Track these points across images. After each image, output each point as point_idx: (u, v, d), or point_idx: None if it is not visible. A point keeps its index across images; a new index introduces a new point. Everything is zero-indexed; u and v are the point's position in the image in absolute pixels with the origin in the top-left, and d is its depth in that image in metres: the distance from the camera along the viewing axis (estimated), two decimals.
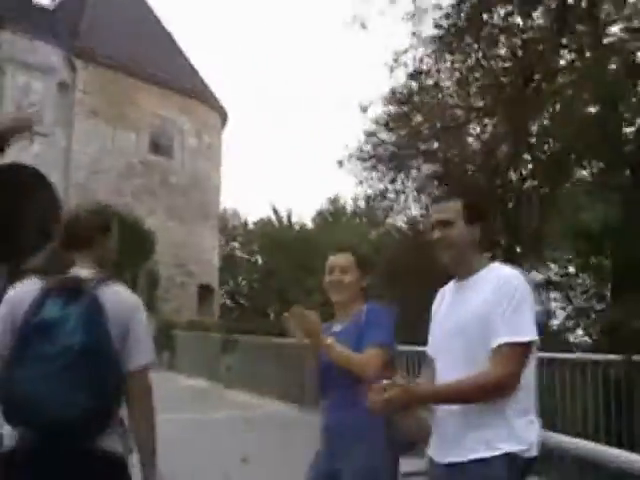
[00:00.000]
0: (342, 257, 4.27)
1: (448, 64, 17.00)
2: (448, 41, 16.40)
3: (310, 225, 39.87)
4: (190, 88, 33.99)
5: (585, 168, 15.98)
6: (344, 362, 3.96)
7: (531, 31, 15.21)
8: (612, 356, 8.19)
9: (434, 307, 3.59)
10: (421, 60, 16.61)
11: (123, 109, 30.78)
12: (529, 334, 3.09)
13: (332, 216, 39.90)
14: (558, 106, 15.37)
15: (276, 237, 36.17)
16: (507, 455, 3.06)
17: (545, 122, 15.97)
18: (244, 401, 16.46)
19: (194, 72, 36.25)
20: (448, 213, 3.34)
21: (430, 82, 17.07)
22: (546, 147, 16.29)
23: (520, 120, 15.28)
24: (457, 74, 16.97)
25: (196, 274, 32.85)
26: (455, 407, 3.20)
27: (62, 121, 29.05)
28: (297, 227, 38.59)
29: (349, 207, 39.13)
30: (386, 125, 18.13)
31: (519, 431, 3.10)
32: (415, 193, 18.97)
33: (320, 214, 41.12)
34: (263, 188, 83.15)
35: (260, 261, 39.05)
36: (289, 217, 38.78)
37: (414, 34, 16.52)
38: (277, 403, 15.78)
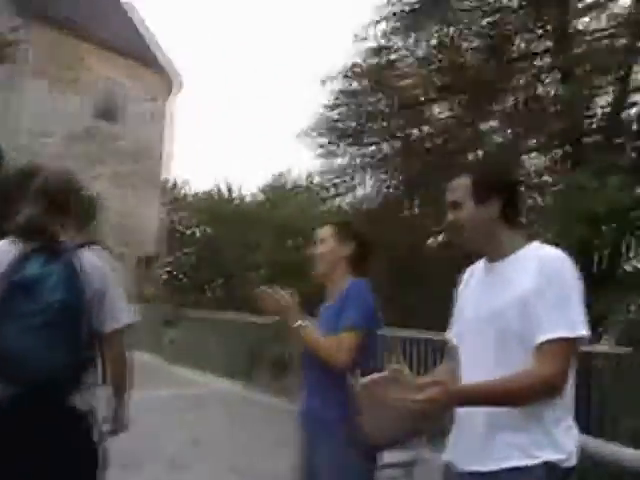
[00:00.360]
0: (321, 230, 4.09)
1: (412, 41, 16.65)
2: (413, 18, 16.08)
3: (256, 199, 39.41)
4: (139, 53, 33.24)
5: (541, 153, 15.86)
6: (313, 347, 3.76)
7: (501, 12, 14.89)
8: (598, 347, 8.02)
9: (460, 289, 3.17)
10: (385, 35, 16.22)
11: (70, 72, 29.97)
12: (581, 328, 2.69)
13: (278, 191, 39.46)
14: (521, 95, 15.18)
15: (219, 210, 35.64)
16: (546, 464, 2.66)
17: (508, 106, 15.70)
18: (189, 377, 16.10)
19: (144, 37, 35.50)
20: (456, 193, 2.98)
21: (392, 58, 16.68)
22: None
23: (483, 102, 15.07)
24: (420, 52, 16.62)
25: (138, 244, 32.27)
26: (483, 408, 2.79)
27: (5, 81, 28.20)
28: (243, 201, 38.11)
29: (296, 183, 38.72)
30: (345, 99, 17.76)
31: (558, 437, 2.72)
32: (370, 171, 18.69)
33: (266, 189, 40.65)
34: (211, 159, 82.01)
35: (202, 234, 38.50)
36: (230, 190, 38.24)
37: (385, 6, 16.12)
38: (222, 380, 15.44)
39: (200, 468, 8.11)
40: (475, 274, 3.10)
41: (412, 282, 15.04)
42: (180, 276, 38.65)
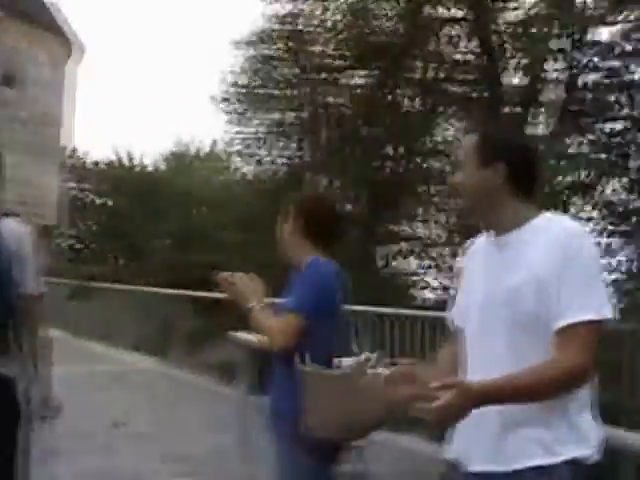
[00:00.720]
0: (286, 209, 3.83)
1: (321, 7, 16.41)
2: None
3: (158, 167, 38.78)
4: (41, 19, 32.21)
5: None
6: (260, 331, 3.64)
7: None
8: None
9: (462, 263, 2.84)
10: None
11: None
12: (606, 310, 2.41)
13: (181, 160, 38.89)
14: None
15: (121, 179, 34.96)
16: (571, 462, 2.39)
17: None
18: (100, 353, 15.65)
19: (45, 2, 34.40)
20: (461, 151, 2.68)
21: (303, 24, 16.42)
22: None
23: (396, 71, 14.97)
24: (330, 18, 16.38)
25: (40, 214, 31.45)
26: None
27: None
28: (147, 169, 37.44)
29: (200, 151, 38.22)
30: (256, 66, 17.47)
31: (584, 430, 2.45)
32: (278, 139, 18.48)
33: (169, 157, 40.01)
34: (114, 128, 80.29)
35: (105, 203, 37.75)
36: (131, 159, 37.50)
37: None
38: (135, 355, 15.07)
39: (128, 453, 7.84)
40: (481, 248, 2.75)
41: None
42: (83, 247, 37.93)
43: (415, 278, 17.36)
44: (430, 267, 16.87)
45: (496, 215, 2.61)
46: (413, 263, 17.51)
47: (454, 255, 16.36)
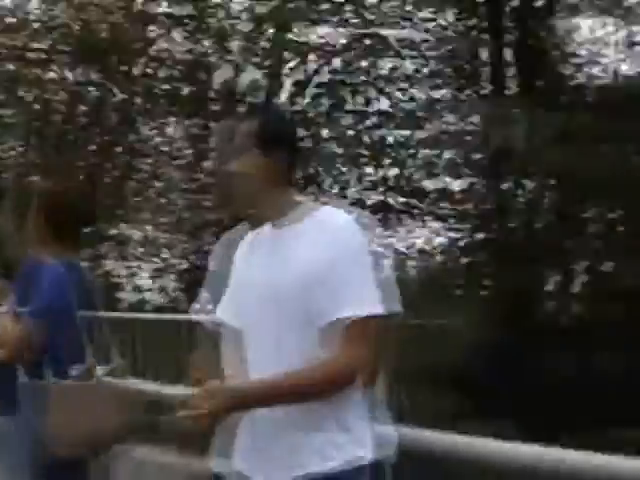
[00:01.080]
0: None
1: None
2: None
3: None
4: None
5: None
6: None
7: None
8: None
9: (236, 258, 2.54)
10: None
11: None
12: (377, 305, 2.29)
13: None
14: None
15: None
16: (349, 464, 2.29)
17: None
18: None
19: None
20: (237, 140, 2.43)
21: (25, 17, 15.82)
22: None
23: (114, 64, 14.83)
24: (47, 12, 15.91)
25: None
26: None
27: None
28: None
29: None
30: None
31: (358, 431, 2.34)
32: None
33: None
34: None
35: None
36: None
37: None
38: None
39: None
40: (257, 242, 2.51)
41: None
42: None
43: (122, 280, 17.13)
44: (139, 268, 16.79)
45: (267, 206, 2.42)
46: (121, 265, 17.24)
47: (163, 256, 16.48)
